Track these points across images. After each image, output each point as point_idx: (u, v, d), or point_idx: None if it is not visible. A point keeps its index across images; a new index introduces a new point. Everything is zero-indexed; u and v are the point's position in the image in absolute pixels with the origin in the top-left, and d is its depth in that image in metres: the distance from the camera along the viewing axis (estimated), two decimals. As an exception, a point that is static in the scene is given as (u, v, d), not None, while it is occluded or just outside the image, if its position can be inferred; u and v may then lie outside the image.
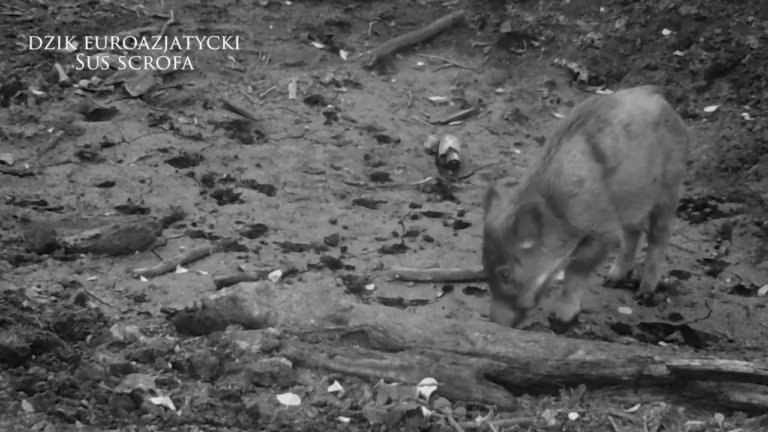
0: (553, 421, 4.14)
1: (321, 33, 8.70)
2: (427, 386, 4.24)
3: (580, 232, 4.89)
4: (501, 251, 4.79)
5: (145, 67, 7.73)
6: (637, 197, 5.06)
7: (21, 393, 3.93)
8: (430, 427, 4.04)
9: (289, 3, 9.05)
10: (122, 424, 3.87)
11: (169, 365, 4.38)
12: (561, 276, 5.10)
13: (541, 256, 4.82)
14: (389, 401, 4.14)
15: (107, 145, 6.85)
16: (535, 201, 4.76)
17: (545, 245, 4.82)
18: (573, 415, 4.18)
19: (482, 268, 4.98)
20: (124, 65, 7.70)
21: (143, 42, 8.15)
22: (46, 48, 7.78)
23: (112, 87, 7.50)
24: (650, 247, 5.46)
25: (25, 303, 4.74)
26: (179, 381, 4.29)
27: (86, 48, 7.94)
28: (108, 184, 6.40)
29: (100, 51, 7.88)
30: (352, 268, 5.64)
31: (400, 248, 5.91)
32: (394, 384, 4.25)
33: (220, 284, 5.21)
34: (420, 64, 8.51)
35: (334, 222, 6.21)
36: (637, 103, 5.11)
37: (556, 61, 8.39)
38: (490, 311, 4.92)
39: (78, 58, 7.73)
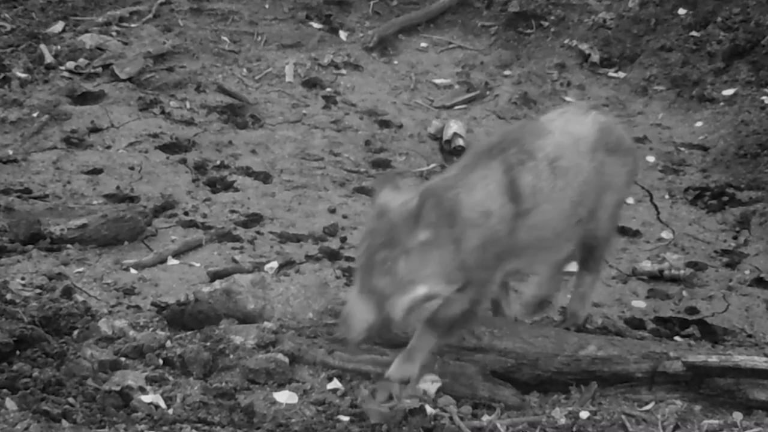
0: (563, 420, 4.14)
1: (319, 12, 8.69)
2: (430, 383, 4.23)
3: (463, 272, 4.19)
4: (392, 235, 4.04)
5: (135, 49, 7.72)
6: (550, 243, 4.49)
7: (4, 390, 3.93)
8: (434, 426, 4.03)
9: (285, -19, 9.04)
10: (111, 423, 3.86)
11: (160, 361, 4.38)
12: (574, 268, 5.02)
13: (432, 260, 4.10)
14: (391, 399, 4.13)
15: (95, 130, 6.84)
16: (444, 194, 4.13)
17: (440, 251, 4.12)
18: (584, 414, 4.18)
19: (358, 253, 4.26)
20: (113, 46, 7.68)
21: (133, 22, 8.14)
22: (30, 28, 7.77)
23: (100, 69, 7.49)
24: (581, 274, 4.89)
25: (8, 296, 4.73)
26: (170, 378, 4.29)
27: (73, 28, 7.93)
28: (96, 171, 6.39)
29: (87, 31, 7.87)
30: (352, 259, 5.63)
31: (402, 238, 5.89)
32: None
33: (214, 276, 5.21)
34: (423, 45, 8.49)
35: (333, 211, 6.20)
36: (568, 130, 4.52)
37: (566, 42, 8.38)
38: (348, 306, 4.11)
39: (64, 39, 7.72)
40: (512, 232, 4.26)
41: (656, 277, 5.63)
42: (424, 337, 4.28)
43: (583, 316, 4.89)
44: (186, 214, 6.04)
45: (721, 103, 7.52)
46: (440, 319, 4.26)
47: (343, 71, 7.98)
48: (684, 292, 5.53)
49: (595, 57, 8.20)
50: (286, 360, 4.36)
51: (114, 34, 7.93)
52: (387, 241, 4.04)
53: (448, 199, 4.13)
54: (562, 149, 4.44)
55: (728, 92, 7.58)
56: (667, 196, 6.59)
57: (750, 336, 5.15)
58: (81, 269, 5.34)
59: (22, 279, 5.11)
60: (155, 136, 6.87)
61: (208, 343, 4.42)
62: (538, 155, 4.35)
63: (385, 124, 7.38)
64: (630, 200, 6.49)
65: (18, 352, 4.23)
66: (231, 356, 4.38)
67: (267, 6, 8.71)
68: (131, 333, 4.57)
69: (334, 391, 4.26)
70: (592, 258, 4.82)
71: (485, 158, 4.32)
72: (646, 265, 5.69)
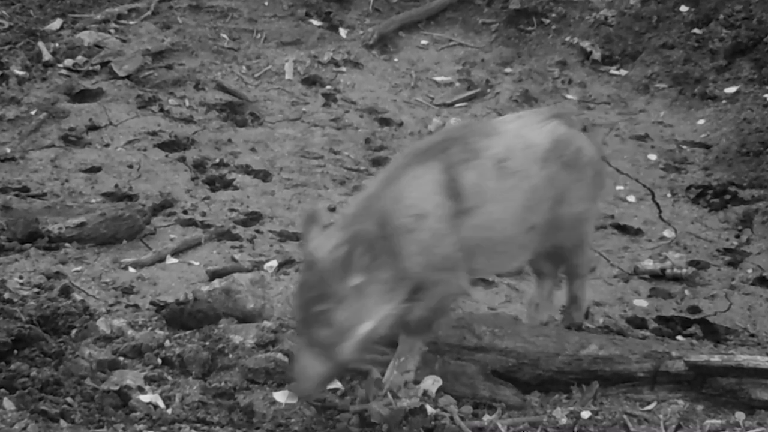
0: (564, 420, 4.13)
1: (319, 9, 8.68)
2: (431, 383, 4.23)
3: (410, 277, 4.14)
4: (324, 287, 3.99)
5: (134, 46, 7.71)
6: (503, 246, 4.38)
7: (2, 390, 3.93)
8: (435, 426, 4.03)
9: (285, -22, 9.04)
10: (109, 423, 3.86)
11: (159, 361, 4.37)
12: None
13: (369, 298, 4.05)
14: (391, 399, 4.13)
15: (93, 128, 6.84)
16: (363, 229, 4.05)
17: (375, 286, 4.06)
18: (585, 414, 4.18)
19: (293, 308, 4.26)
20: (111, 44, 7.67)
21: (131, 19, 8.13)
22: (28, 25, 7.77)
23: (98, 67, 7.49)
24: (569, 281, 4.85)
25: (6, 295, 4.73)
26: (169, 377, 4.28)
27: (71, 25, 7.92)
28: (94, 170, 6.38)
29: (86, 28, 7.86)
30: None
31: (402, 237, 5.88)
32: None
33: (213, 275, 5.21)
34: (424, 42, 8.49)
35: (333, 209, 6.19)
36: (521, 134, 4.41)
37: (567, 39, 8.37)
38: (297, 363, 4.11)
39: (63, 36, 7.71)
40: (456, 231, 4.17)
41: (658, 276, 5.63)
42: (408, 342, 4.29)
43: (581, 318, 4.87)
44: (185, 212, 6.03)
45: (724, 101, 7.52)
46: (414, 323, 4.24)
47: (343, 69, 7.98)
48: (686, 291, 5.52)
49: (597, 54, 8.20)
50: (286, 359, 4.35)
51: (112, 31, 7.93)
52: (320, 296, 4.00)
53: (375, 219, 4.07)
54: (512, 151, 4.32)
55: (730, 90, 7.58)
56: (669, 195, 6.58)
57: (752, 335, 5.14)
58: (79, 268, 5.34)
59: (20, 278, 5.10)
60: (154, 134, 6.87)
61: (207, 343, 4.41)
62: (483, 154, 4.25)
63: (385, 122, 7.37)
64: (632, 199, 6.50)
65: (16, 352, 4.22)
66: (230, 356, 4.38)
67: (266, 3, 8.71)
68: (130, 332, 4.57)
69: (334, 390, 4.25)
70: (570, 266, 4.78)
71: (421, 158, 4.22)
72: (648, 264, 5.69)
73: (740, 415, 4.18)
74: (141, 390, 4.14)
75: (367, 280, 4.03)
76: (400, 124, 7.35)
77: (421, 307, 4.21)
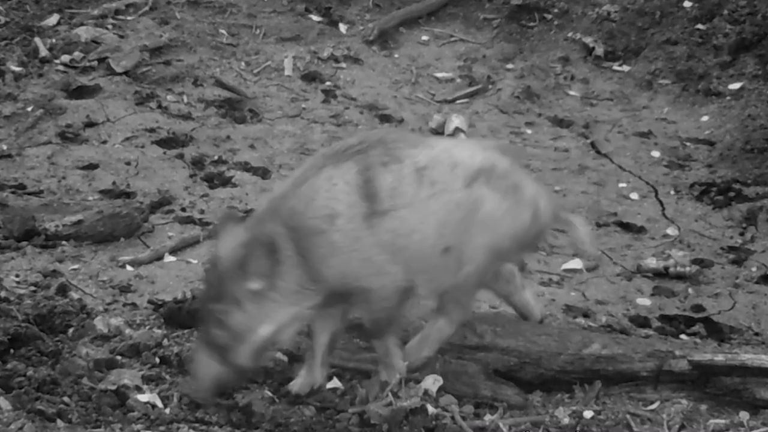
0: (566, 420, 4.13)
1: (319, 5, 8.67)
2: (432, 382, 4.23)
3: (325, 281, 4.04)
4: (222, 288, 3.97)
5: (131, 42, 7.71)
6: (420, 264, 4.14)
7: (-2, 389, 3.93)
8: (436, 425, 4.03)
9: (284, -27, 9.03)
10: (106, 423, 3.86)
11: (157, 360, 4.38)
12: (577, 265, 4.98)
13: (270, 303, 4.00)
14: (392, 399, 4.13)
15: (90, 124, 6.83)
16: (272, 231, 3.99)
17: (278, 289, 4.00)
18: (588, 414, 4.18)
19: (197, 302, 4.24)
20: (109, 39, 7.67)
21: (129, 14, 8.13)
22: (24, 21, 7.76)
23: (95, 63, 7.48)
24: (436, 315, 4.38)
25: (2, 294, 4.73)
26: (167, 377, 4.29)
27: (68, 21, 7.92)
28: (91, 167, 6.38)
29: (83, 24, 7.86)
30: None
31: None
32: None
33: (211, 273, 5.19)
34: (425, 38, 8.48)
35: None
36: (451, 151, 4.24)
37: (569, 35, 8.36)
38: (194, 360, 4.10)
39: (59, 32, 7.71)
40: (373, 233, 4.04)
41: (661, 274, 5.62)
42: (382, 345, 4.24)
43: (417, 360, 4.34)
44: (183, 210, 6.03)
45: (728, 97, 7.51)
46: (371, 328, 4.21)
47: (343, 65, 7.97)
48: (690, 290, 5.52)
49: (599, 50, 8.19)
50: (285, 358, 4.35)
51: (110, 26, 7.91)
52: (217, 295, 3.98)
53: (284, 221, 4.00)
54: (436, 162, 4.15)
55: (735, 86, 7.57)
56: (672, 192, 6.58)
57: (757, 334, 5.14)
58: (76, 266, 5.34)
59: (17, 276, 5.10)
60: (152, 130, 6.86)
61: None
62: (405, 160, 4.11)
63: (385, 118, 7.37)
64: (635, 196, 6.49)
65: (12, 351, 4.23)
66: (229, 355, 4.38)
67: (266, -2, 8.71)
68: (127, 331, 4.57)
69: (334, 390, 4.25)
70: (448, 299, 4.32)
71: (335, 159, 4.10)
72: (651, 262, 5.68)
73: (744, 415, 4.19)
74: (139, 389, 4.14)
75: (268, 284, 3.98)
76: (401, 121, 7.35)
77: (370, 313, 4.16)
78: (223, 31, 8.15)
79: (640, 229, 6.13)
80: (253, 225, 4.06)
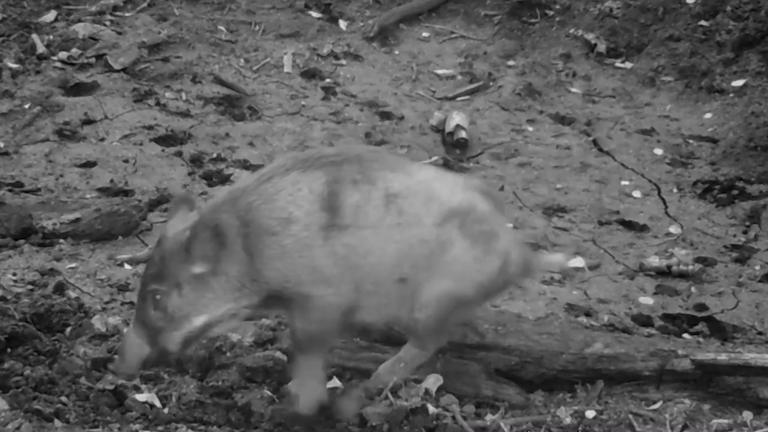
0: (568, 420, 4.13)
1: (318, 1, 8.67)
2: (432, 382, 4.23)
3: (264, 283, 3.98)
4: (163, 267, 3.93)
5: (129, 38, 7.70)
6: (371, 287, 4.05)
7: (-5, 389, 3.93)
8: (436, 425, 4.03)
9: (284, -31, 9.03)
10: (104, 423, 3.86)
11: (155, 359, 4.37)
12: (580, 263, 4.98)
13: (208, 292, 3.95)
14: (391, 398, 4.13)
15: (88, 122, 6.83)
16: (224, 221, 3.92)
17: (219, 280, 3.95)
18: (590, 413, 4.18)
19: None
20: (107, 36, 7.66)
21: (127, 11, 8.12)
22: (21, 17, 7.76)
23: (93, 59, 7.48)
24: (411, 341, 4.28)
25: (-1, 292, 4.73)
26: (166, 376, 4.28)
27: (65, 17, 7.91)
28: (89, 164, 6.38)
29: (80, 20, 7.85)
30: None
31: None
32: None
33: (210, 272, 5.19)
34: (425, 34, 8.48)
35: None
36: (430, 184, 4.12)
37: (571, 31, 8.36)
38: (123, 339, 4.12)
39: (57, 29, 7.70)
40: (328, 244, 3.96)
41: (664, 272, 5.62)
42: (302, 362, 4.12)
43: (386, 383, 4.25)
44: (182, 208, 6.02)
45: (731, 95, 7.50)
46: (300, 340, 4.09)
47: (343, 62, 7.97)
48: (692, 289, 5.52)
49: (602, 47, 8.18)
50: (285, 358, 4.35)
51: (107, 23, 7.91)
52: (158, 274, 3.94)
53: (239, 213, 3.94)
54: (410, 192, 4.05)
55: (738, 83, 7.56)
56: (675, 190, 6.58)
57: (760, 333, 5.14)
58: (74, 265, 5.33)
59: (14, 275, 5.10)
60: (150, 128, 6.86)
61: (204, 341, 4.41)
62: (377, 183, 4.01)
63: (385, 115, 7.36)
64: (637, 194, 6.49)
65: (9, 350, 4.22)
66: (228, 354, 4.38)
67: (265, -6, 8.70)
68: (125, 330, 4.56)
69: (334, 389, 4.25)
70: (415, 335, 4.22)
71: (306, 165, 4.03)
72: (654, 261, 5.68)
73: (748, 415, 4.18)
74: (137, 389, 4.14)
75: (211, 272, 3.93)
76: (401, 118, 7.34)
77: (303, 322, 4.04)
78: (222, 28, 8.15)
79: (643, 228, 6.13)
80: (207, 211, 4.01)
